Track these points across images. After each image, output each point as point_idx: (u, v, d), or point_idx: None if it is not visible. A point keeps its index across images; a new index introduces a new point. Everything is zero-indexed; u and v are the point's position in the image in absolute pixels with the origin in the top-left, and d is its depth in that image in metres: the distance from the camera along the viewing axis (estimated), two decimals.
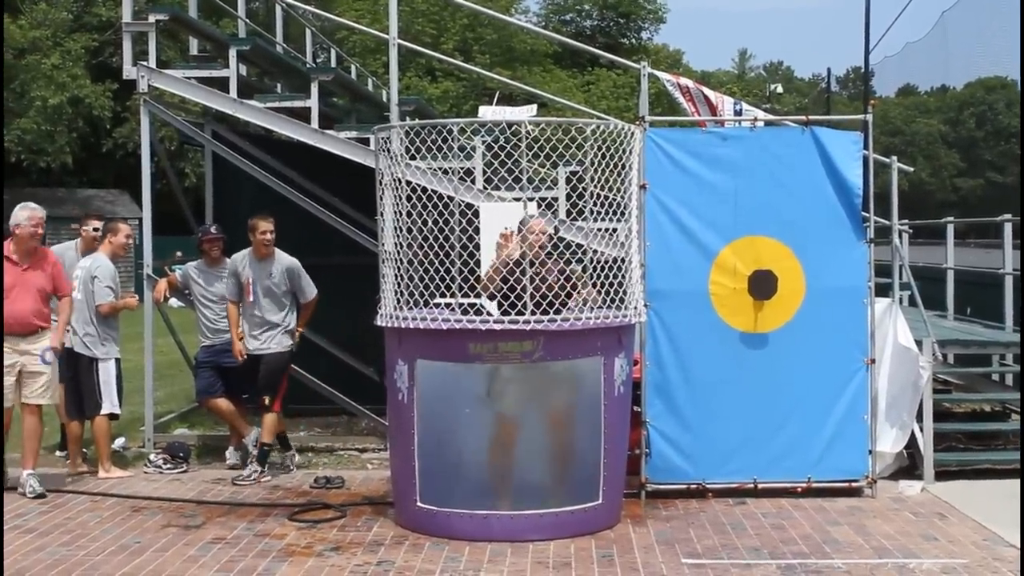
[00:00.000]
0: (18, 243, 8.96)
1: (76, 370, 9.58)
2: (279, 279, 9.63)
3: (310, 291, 9.86)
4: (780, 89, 69.90)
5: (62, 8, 34.88)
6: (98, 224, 10.23)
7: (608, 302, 7.86)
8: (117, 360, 9.83)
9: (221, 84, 10.69)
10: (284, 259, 9.73)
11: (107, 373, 9.62)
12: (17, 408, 9.13)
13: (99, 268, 9.65)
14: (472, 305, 7.67)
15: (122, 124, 36.52)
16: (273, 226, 9.63)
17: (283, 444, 10.05)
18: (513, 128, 7.93)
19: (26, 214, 8.99)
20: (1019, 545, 7.37)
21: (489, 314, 7.60)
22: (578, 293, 7.90)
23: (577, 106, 16.03)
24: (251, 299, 9.63)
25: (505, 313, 7.59)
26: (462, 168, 9.69)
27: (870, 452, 8.86)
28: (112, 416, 9.74)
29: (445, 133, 8.09)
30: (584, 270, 7.93)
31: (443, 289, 7.76)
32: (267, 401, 9.63)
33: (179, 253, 10.11)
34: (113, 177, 39.99)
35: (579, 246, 8.16)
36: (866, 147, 9.14)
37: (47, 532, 7.91)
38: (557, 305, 7.75)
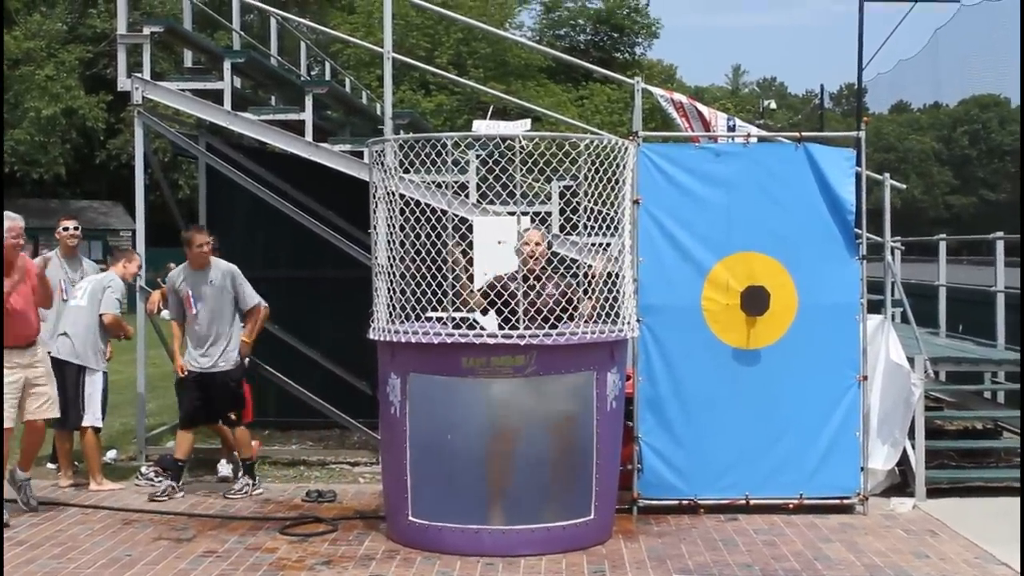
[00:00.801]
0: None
1: (62, 379, 9.43)
2: (220, 283, 9.37)
3: (252, 299, 9.55)
4: (773, 105, 70.18)
5: (56, 19, 34.93)
6: (68, 224, 10.24)
7: (603, 317, 7.87)
8: (104, 374, 9.81)
9: (215, 96, 10.70)
10: (222, 264, 9.52)
11: (93, 385, 9.58)
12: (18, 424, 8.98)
13: (113, 281, 9.77)
14: (464, 320, 7.67)
15: (116, 136, 36.56)
16: (208, 238, 9.46)
17: (247, 470, 9.60)
18: (507, 142, 7.94)
19: (8, 224, 8.91)
20: (1016, 563, 7.38)
21: (483, 328, 7.60)
22: (574, 309, 7.89)
23: (571, 121, 16.03)
24: (193, 312, 9.35)
25: (502, 327, 7.59)
26: (456, 182, 9.71)
27: (862, 469, 8.86)
28: (94, 430, 9.68)
29: (439, 147, 8.10)
30: (579, 284, 7.93)
31: (435, 303, 7.76)
32: (234, 417, 9.53)
33: (172, 264, 10.08)
34: (107, 188, 40.04)
35: (574, 261, 8.15)
36: (859, 164, 9.16)
37: (38, 544, 7.88)
38: (552, 320, 7.77)
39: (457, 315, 7.67)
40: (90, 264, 10.53)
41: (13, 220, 8.64)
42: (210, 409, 9.58)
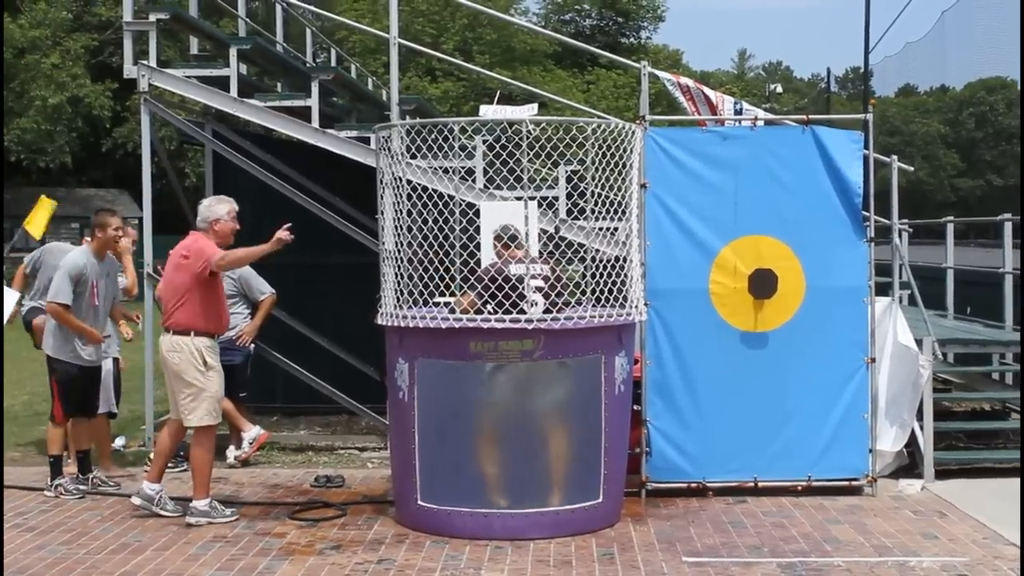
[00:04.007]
0: None
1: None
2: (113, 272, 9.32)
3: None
4: (780, 89, 69.97)
5: (62, 7, 34.86)
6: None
7: (607, 301, 7.87)
8: (115, 360, 9.83)
9: (221, 83, 10.69)
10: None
11: (104, 372, 9.60)
12: None
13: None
14: (447, 304, 7.71)
15: (122, 124, 36.56)
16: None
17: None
18: (514, 127, 7.94)
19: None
20: (1019, 543, 7.38)
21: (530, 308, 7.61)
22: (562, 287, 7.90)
23: (577, 105, 16.02)
24: (97, 303, 9.04)
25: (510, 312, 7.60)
26: (463, 167, 9.70)
27: (870, 451, 8.87)
28: (110, 415, 9.74)
29: (446, 132, 8.10)
30: (587, 269, 7.92)
31: (443, 288, 7.77)
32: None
33: None
34: (112, 176, 40.05)
35: (580, 245, 8.15)
36: (866, 146, 9.14)
37: (48, 531, 7.91)
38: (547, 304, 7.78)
39: (442, 300, 7.69)
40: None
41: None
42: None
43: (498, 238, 8.02)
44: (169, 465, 9.67)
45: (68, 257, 8.96)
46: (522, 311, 7.56)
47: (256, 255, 8.39)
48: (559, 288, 7.92)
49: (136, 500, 8.32)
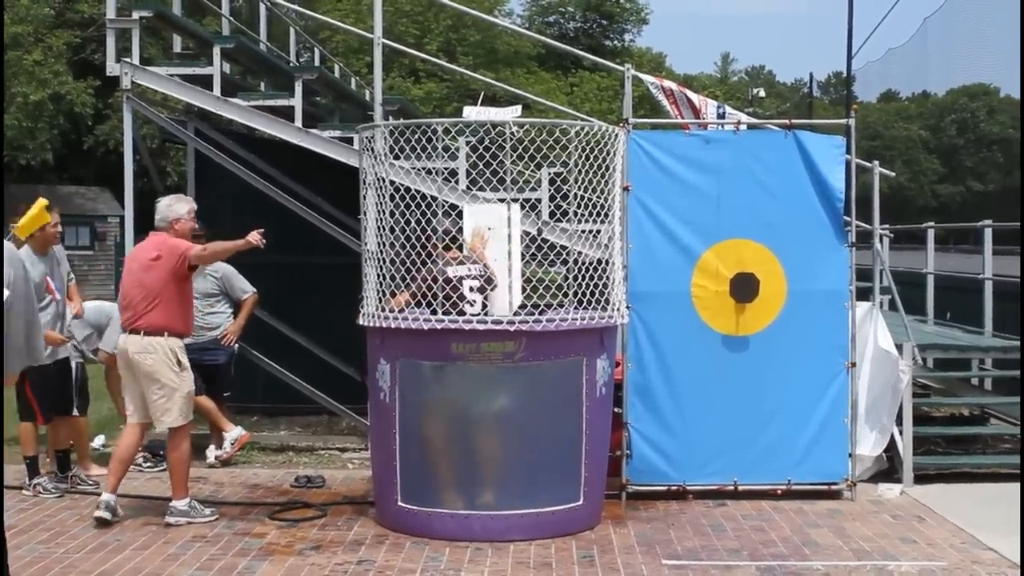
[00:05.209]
0: None
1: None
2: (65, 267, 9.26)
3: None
4: (763, 93, 70.19)
5: (44, 4, 34.70)
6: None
7: (588, 303, 7.87)
8: (79, 364, 9.70)
9: (204, 82, 10.66)
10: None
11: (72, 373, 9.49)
12: None
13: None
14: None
15: (104, 121, 36.38)
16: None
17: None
18: (497, 129, 7.94)
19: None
20: (1002, 548, 7.42)
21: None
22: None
23: (561, 108, 16.03)
24: (57, 297, 9.00)
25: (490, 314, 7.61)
26: (446, 168, 9.69)
27: (850, 455, 8.89)
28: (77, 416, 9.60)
29: (429, 133, 8.09)
30: (569, 272, 7.93)
31: (425, 289, 7.76)
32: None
33: None
34: (94, 174, 39.85)
35: (563, 247, 8.15)
36: (849, 151, 9.17)
37: (26, 530, 7.88)
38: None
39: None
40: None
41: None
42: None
43: (440, 236, 8.02)
44: (147, 466, 9.68)
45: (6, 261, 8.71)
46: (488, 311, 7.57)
47: (233, 249, 8.39)
48: (495, 282, 7.92)
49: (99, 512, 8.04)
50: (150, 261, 8.11)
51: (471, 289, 7.85)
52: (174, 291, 8.12)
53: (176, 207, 8.37)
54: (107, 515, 7.98)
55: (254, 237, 8.09)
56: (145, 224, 10.02)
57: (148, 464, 9.75)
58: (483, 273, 7.94)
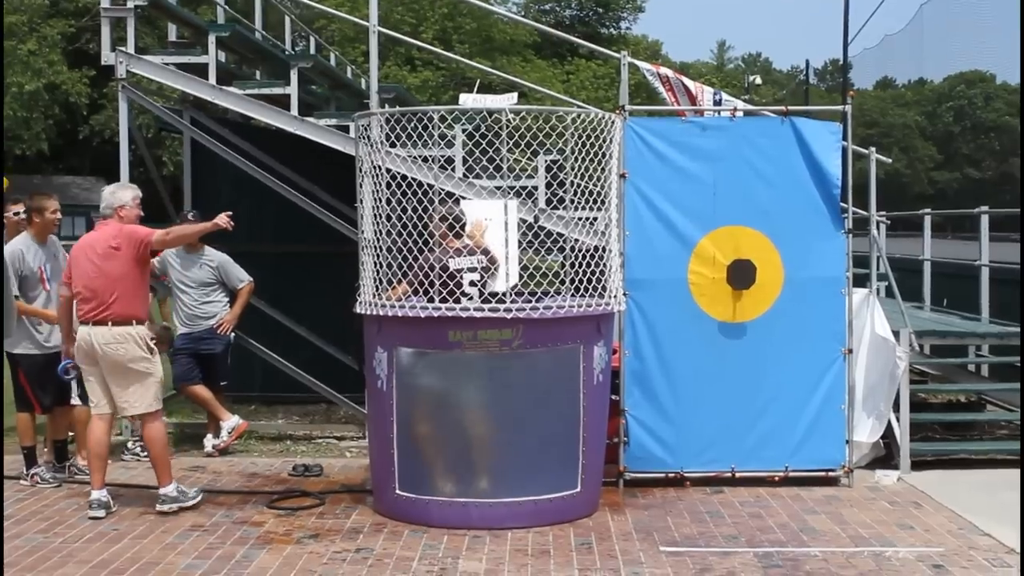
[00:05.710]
0: None
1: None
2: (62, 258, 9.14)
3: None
4: (759, 80, 70.08)
5: None
6: (19, 209, 9.84)
7: (586, 290, 7.87)
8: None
9: (200, 71, 10.63)
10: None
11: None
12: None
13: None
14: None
15: (99, 111, 36.40)
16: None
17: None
18: (493, 116, 7.92)
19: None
20: (999, 534, 7.44)
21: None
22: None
23: (557, 95, 15.99)
24: (48, 288, 8.93)
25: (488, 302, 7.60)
26: (442, 156, 9.68)
27: (847, 442, 8.90)
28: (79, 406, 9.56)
29: (425, 120, 8.08)
30: (566, 259, 7.92)
31: (423, 276, 7.75)
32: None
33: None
34: (90, 164, 39.85)
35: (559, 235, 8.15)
36: (845, 138, 9.16)
37: (24, 519, 7.88)
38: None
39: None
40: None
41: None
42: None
43: (443, 219, 8.00)
44: (146, 455, 9.61)
45: (8, 248, 8.68)
46: (500, 300, 7.56)
47: (200, 231, 8.59)
48: (497, 263, 7.90)
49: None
50: (110, 250, 8.02)
51: (471, 283, 7.84)
52: (137, 278, 8.11)
53: (120, 194, 8.32)
54: (101, 513, 7.96)
55: (222, 219, 8.14)
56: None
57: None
58: (483, 263, 7.93)
